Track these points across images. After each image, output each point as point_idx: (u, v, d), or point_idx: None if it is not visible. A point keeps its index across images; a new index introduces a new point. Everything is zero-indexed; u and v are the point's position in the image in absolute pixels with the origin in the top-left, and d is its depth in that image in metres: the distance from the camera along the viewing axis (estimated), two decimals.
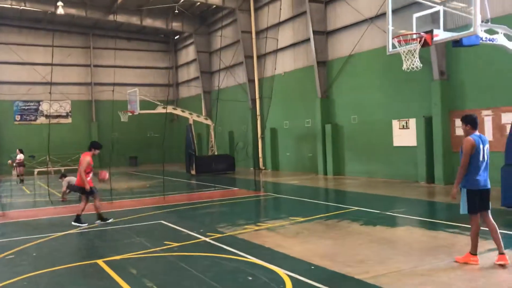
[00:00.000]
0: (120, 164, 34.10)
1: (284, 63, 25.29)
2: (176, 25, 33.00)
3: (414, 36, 8.96)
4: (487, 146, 6.62)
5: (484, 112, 15.26)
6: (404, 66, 9.30)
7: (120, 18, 31.08)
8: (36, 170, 29.87)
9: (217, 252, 7.95)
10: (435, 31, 8.84)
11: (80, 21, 33.62)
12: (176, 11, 30.11)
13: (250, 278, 6.46)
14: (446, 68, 16.41)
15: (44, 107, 34.46)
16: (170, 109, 26.42)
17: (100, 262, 7.56)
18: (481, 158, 6.53)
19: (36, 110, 34.54)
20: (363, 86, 20.18)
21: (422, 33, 8.87)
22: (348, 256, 7.41)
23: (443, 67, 16.35)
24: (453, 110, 16.24)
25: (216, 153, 27.67)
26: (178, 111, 28.10)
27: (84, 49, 36.22)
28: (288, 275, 6.44)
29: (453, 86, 16.29)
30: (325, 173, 21.89)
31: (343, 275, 6.42)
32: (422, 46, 8.91)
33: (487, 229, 6.73)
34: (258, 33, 27.32)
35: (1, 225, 11.81)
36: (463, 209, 6.65)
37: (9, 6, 28.55)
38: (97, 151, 11.46)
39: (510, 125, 12.00)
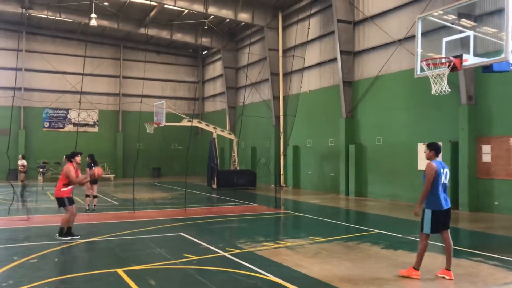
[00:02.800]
0: (143, 175, 34.48)
1: (310, 82, 25.35)
2: (204, 41, 33.56)
3: (443, 60, 8.87)
4: (446, 170, 7.40)
5: None
6: (433, 91, 9.22)
7: (151, 31, 31.72)
8: None
9: (236, 267, 7.94)
10: (465, 56, 8.76)
11: (112, 32, 34.48)
12: (206, 27, 30.66)
13: None
14: (474, 93, 16.20)
15: (72, 115, 35.28)
16: (195, 122, 26.70)
17: (120, 271, 7.63)
18: (441, 181, 7.30)
19: (65, 118, 35.34)
20: (389, 108, 20.06)
21: (451, 58, 8.78)
22: (367, 279, 7.32)
23: (471, 92, 16.14)
24: (480, 136, 15.98)
25: (238, 168, 27.76)
26: (203, 125, 28.36)
27: (114, 60, 37.06)
28: None
29: (480, 111, 16.06)
30: (347, 193, 21.70)
31: None
32: (451, 70, 8.81)
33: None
34: (285, 51, 27.54)
35: (25, 229, 12.07)
36: (426, 229, 7.52)
37: (45, 16, 29.50)
38: (78, 158, 10.94)
39: None
